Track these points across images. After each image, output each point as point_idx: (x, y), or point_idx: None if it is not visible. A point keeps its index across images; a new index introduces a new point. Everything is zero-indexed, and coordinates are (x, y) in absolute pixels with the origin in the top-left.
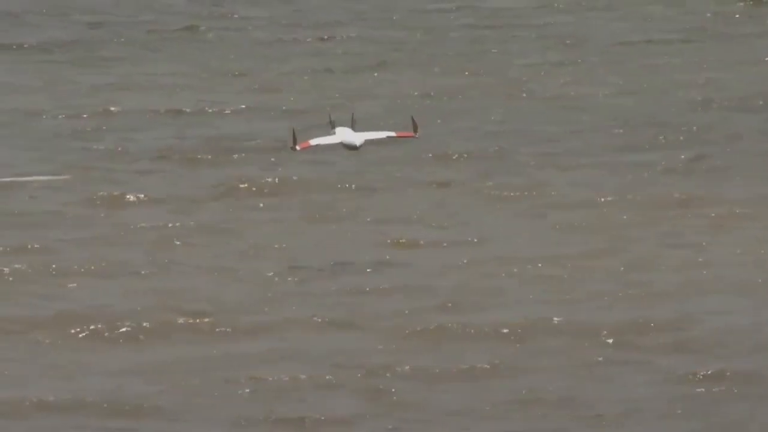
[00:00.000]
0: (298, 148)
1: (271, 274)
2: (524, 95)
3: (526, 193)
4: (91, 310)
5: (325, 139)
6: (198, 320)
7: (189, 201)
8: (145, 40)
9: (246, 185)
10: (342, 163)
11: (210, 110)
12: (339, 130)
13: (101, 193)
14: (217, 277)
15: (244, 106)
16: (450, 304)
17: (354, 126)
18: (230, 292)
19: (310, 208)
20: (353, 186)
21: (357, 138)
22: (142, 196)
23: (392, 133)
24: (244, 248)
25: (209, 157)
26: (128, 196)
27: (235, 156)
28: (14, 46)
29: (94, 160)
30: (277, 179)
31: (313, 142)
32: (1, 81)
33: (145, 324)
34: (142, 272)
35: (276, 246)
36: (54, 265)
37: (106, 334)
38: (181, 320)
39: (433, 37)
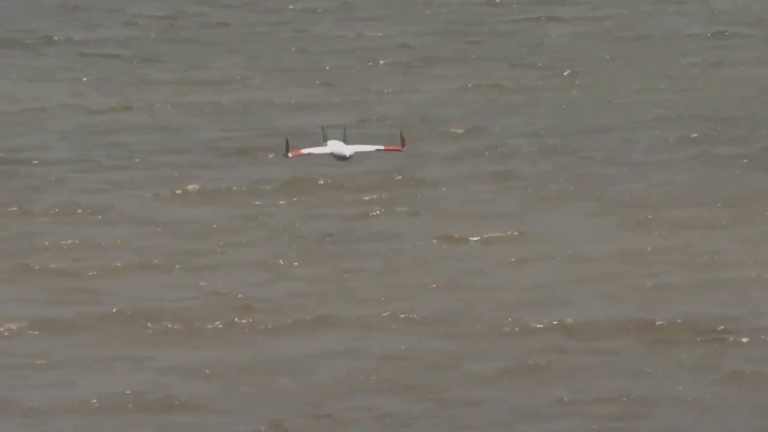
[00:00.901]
0: (290, 155)
1: (321, 270)
2: (582, 89)
3: (587, 189)
4: (139, 305)
5: (317, 148)
6: (247, 316)
7: (240, 195)
8: (197, 35)
9: (301, 180)
10: (396, 159)
11: (262, 104)
12: (331, 142)
13: (153, 188)
14: (267, 273)
15: (294, 101)
16: (507, 302)
17: (345, 140)
18: (281, 287)
19: (365, 204)
20: (408, 181)
21: (347, 149)
22: (194, 189)
23: (380, 147)
24: (294, 243)
25: (260, 151)
26: (177, 191)
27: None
28: (67, 40)
29: (147, 155)
30: (329, 174)
31: (305, 150)
32: (50, 74)
33: (193, 319)
34: (192, 267)
35: (327, 241)
36: (102, 261)
37: (155, 330)
38: (230, 316)
39: (483, 31)
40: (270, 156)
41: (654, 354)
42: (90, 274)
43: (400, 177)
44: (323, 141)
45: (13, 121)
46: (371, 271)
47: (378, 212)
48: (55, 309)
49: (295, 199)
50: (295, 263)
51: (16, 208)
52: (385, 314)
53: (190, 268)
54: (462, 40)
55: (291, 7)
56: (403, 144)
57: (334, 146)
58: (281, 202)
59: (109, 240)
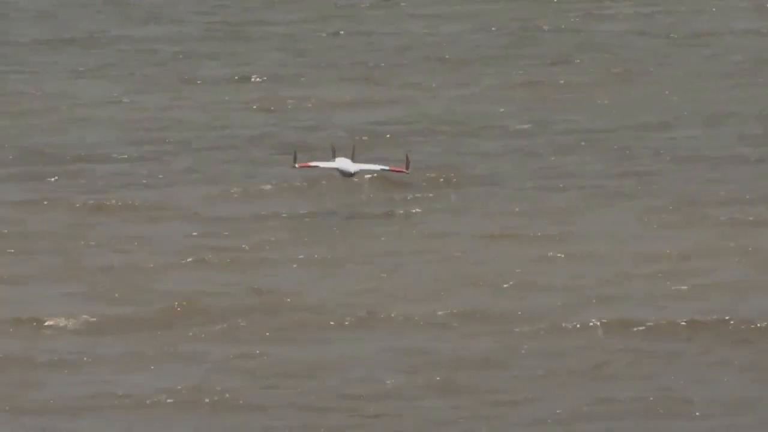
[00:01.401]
0: (297, 166)
1: (368, 268)
2: (634, 86)
3: (640, 186)
4: (186, 303)
5: (325, 162)
6: (294, 314)
7: (288, 192)
8: (244, 32)
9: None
10: (444, 156)
11: (308, 100)
12: (339, 159)
13: (201, 184)
14: (315, 270)
15: (340, 98)
16: (558, 300)
17: (353, 157)
18: (329, 286)
19: (412, 202)
20: (456, 178)
21: (352, 167)
22: (242, 186)
23: (386, 167)
24: (341, 242)
25: (308, 149)
26: (225, 187)
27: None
28: (117, 37)
29: (196, 151)
30: (410, 174)
31: (313, 163)
32: (100, 71)
33: (240, 317)
34: (239, 264)
35: (381, 240)
36: (150, 258)
37: (201, 327)
38: (277, 314)
39: (531, 27)
40: (280, 166)
41: (707, 353)
42: (138, 270)
43: (448, 174)
44: (332, 157)
45: (64, 118)
46: (419, 269)
47: (426, 210)
48: (103, 306)
49: (342, 199)
50: (343, 262)
51: (66, 204)
52: (432, 313)
53: (237, 264)
54: (510, 36)
55: (336, 3)
56: (407, 166)
57: (341, 163)
58: (328, 200)
59: (158, 236)
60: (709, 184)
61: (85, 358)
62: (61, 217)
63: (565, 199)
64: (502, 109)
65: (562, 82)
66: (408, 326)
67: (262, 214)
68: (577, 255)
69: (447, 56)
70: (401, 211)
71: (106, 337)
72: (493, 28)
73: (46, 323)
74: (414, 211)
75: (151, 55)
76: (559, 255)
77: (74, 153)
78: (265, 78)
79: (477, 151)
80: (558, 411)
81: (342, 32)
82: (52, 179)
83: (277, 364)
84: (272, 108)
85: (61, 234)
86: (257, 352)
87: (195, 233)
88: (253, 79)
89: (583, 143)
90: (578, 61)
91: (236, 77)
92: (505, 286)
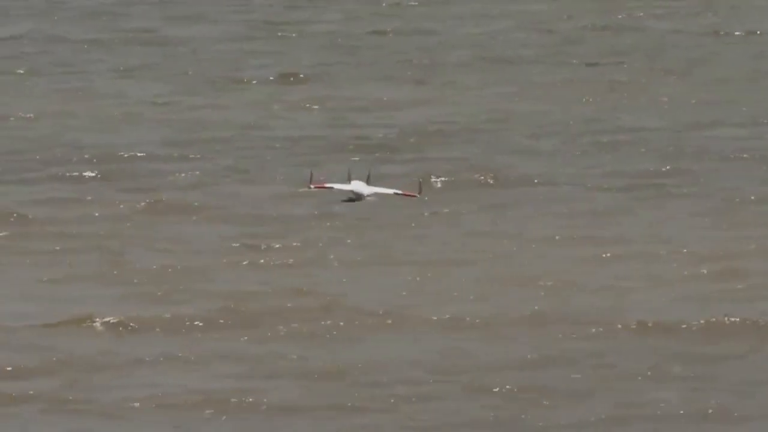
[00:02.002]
0: (312, 187)
1: (417, 269)
2: (687, 85)
3: (686, 187)
4: (230, 304)
5: (339, 185)
6: (338, 315)
7: (328, 193)
8: (288, 31)
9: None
10: (489, 155)
11: (355, 100)
12: (354, 182)
13: (243, 184)
14: (358, 272)
15: (388, 98)
16: (601, 301)
17: (369, 181)
18: (380, 287)
19: (456, 201)
20: (501, 178)
21: (366, 190)
22: (284, 186)
23: (398, 191)
24: (385, 244)
25: (350, 152)
26: (268, 187)
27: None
28: (162, 38)
29: (240, 150)
30: (452, 174)
31: (328, 185)
32: (144, 71)
33: (283, 318)
34: (282, 265)
35: (423, 241)
36: (192, 259)
37: (246, 328)
38: (320, 315)
39: (581, 26)
40: (322, 167)
41: (757, 354)
42: (181, 271)
43: (491, 174)
44: (348, 180)
45: (109, 117)
46: (461, 270)
47: (468, 210)
48: (145, 306)
49: (384, 200)
50: (385, 262)
51: (110, 203)
52: (475, 313)
53: (279, 265)
54: (557, 36)
55: (384, 4)
56: (419, 191)
57: (356, 186)
58: (370, 201)
59: (200, 236)
60: (758, 184)
61: (126, 359)
62: (104, 217)
63: (609, 199)
64: (546, 108)
65: (607, 80)
66: (451, 327)
67: (305, 215)
68: (623, 255)
69: (493, 55)
70: (444, 211)
71: (147, 337)
72: (539, 27)
73: (88, 324)
74: (456, 211)
75: (196, 54)
76: (604, 255)
77: (118, 152)
78: (309, 77)
79: (521, 150)
80: (600, 413)
81: (389, 31)
82: (97, 178)
83: (317, 364)
84: (316, 107)
85: (104, 233)
86: (298, 352)
87: (237, 233)
88: (297, 78)
89: (628, 142)
90: (624, 59)
91: (281, 76)
92: (548, 286)
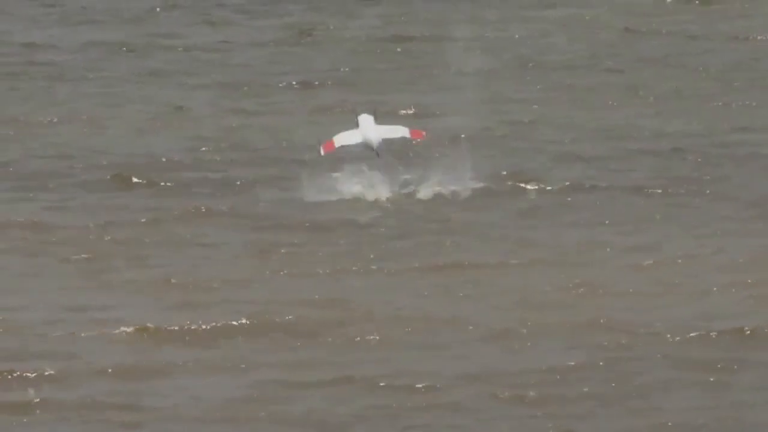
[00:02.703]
0: (322, 151)
1: (451, 279)
2: (736, 92)
3: (724, 195)
4: (260, 315)
5: (347, 138)
6: (369, 327)
7: (369, 203)
8: (322, 39)
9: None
10: (525, 162)
11: (394, 106)
12: (362, 118)
13: (276, 191)
14: (393, 281)
15: (422, 105)
16: (646, 311)
17: (375, 117)
18: (415, 297)
19: (499, 207)
20: (538, 185)
21: (375, 136)
22: (319, 194)
23: (406, 130)
24: (426, 251)
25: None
26: (301, 196)
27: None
28: (197, 44)
29: (271, 160)
30: (487, 179)
31: (337, 143)
32: (179, 78)
33: (312, 330)
34: (315, 274)
35: (460, 249)
36: (224, 268)
37: (275, 339)
38: (358, 327)
39: (619, 28)
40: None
41: None
42: (207, 279)
43: (527, 181)
44: (355, 118)
45: (129, 125)
46: (498, 280)
47: (506, 217)
48: (171, 315)
49: (418, 207)
50: (419, 272)
51: (138, 211)
52: (514, 324)
53: (308, 275)
54: (591, 41)
55: (419, 9)
56: (424, 130)
57: (364, 129)
58: (403, 208)
59: (226, 245)
60: None
61: (158, 367)
62: (131, 223)
63: (647, 206)
64: (582, 114)
65: (643, 85)
66: (489, 338)
67: (335, 223)
68: (662, 263)
69: (528, 59)
70: (479, 218)
71: (177, 345)
72: (581, 33)
73: (117, 331)
74: (491, 218)
75: (218, 60)
76: (644, 263)
77: (144, 158)
78: (334, 83)
79: (556, 155)
80: (673, 423)
81: (418, 36)
82: (124, 184)
83: (347, 375)
84: (341, 114)
85: (130, 240)
86: (328, 363)
87: (264, 240)
88: (321, 85)
89: (667, 149)
90: (661, 65)
91: (305, 83)
92: (587, 295)
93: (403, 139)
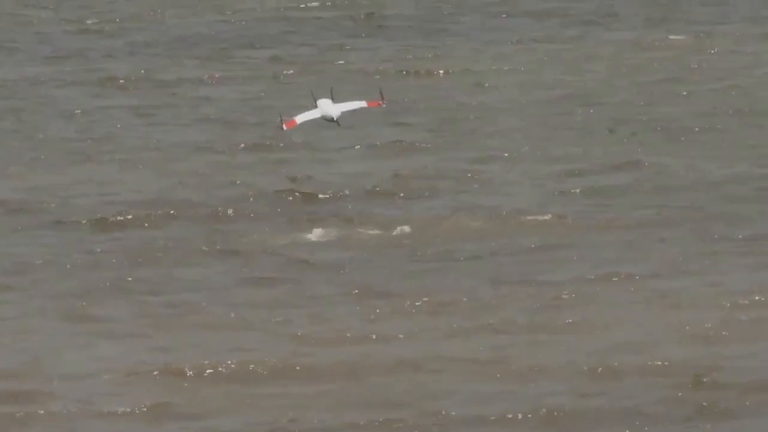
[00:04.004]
0: (285, 127)
1: (487, 312)
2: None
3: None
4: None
5: (308, 115)
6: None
7: (397, 237)
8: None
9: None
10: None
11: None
12: (320, 102)
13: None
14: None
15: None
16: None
17: (332, 97)
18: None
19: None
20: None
21: (335, 111)
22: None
23: (363, 103)
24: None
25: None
26: (331, 234)
27: None
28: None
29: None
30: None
31: (299, 120)
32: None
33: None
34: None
35: (497, 282)
36: (248, 309)
37: (306, 379)
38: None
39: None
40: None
41: None
42: (249, 319)
43: (566, 218)
44: (314, 102)
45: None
46: (536, 305)
47: (529, 255)
48: (215, 355)
49: (456, 238)
50: (455, 312)
51: (175, 251)
52: (551, 358)
53: (350, 313)
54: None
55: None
56: (382, 99)
57: (324, 108)
58: (433, 241)
59: (264, 286)
60: None
61: (206, 408)
62: (173, 262)
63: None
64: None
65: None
66: (533, 372)
67: (364, 261)
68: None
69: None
70: (513, 258)
71: (219, 385)
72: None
73: (167, 370)
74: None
75: (213, 101)
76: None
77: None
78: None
79: (582, 190)
80: None
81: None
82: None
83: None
84: (358, 147)
85: (173, 281)
86: (389, 400)
87: (282, 282)
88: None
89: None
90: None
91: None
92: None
93: (362, 108)
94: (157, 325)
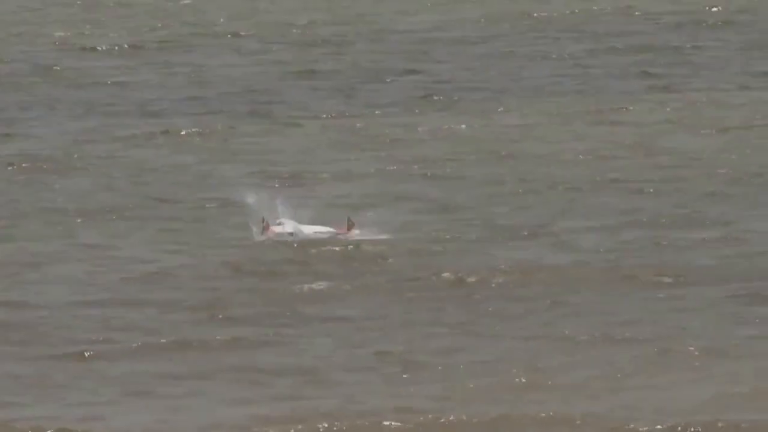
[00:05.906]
0: (263, 236)
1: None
2: None
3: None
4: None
5: (280, 228)
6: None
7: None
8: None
9: None
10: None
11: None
12: (288, 223)
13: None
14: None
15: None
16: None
17: (298, 224)
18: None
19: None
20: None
21: (307, 230)
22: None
23: (332, 230)
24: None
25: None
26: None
27: None
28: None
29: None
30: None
31: (275, 230)
32: None
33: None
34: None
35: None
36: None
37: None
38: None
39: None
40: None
41: None
42: (298, 371)
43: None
44: (275, 224)
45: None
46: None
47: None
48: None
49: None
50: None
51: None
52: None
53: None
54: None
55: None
56: (349, 228)
57: (297, 225)
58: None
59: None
60: None
61: None
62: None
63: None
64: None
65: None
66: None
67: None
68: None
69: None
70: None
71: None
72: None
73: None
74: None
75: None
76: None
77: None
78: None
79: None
80: None
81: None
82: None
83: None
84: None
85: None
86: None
87: (303, 301)
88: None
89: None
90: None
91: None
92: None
93: (331, 234)
94: None
